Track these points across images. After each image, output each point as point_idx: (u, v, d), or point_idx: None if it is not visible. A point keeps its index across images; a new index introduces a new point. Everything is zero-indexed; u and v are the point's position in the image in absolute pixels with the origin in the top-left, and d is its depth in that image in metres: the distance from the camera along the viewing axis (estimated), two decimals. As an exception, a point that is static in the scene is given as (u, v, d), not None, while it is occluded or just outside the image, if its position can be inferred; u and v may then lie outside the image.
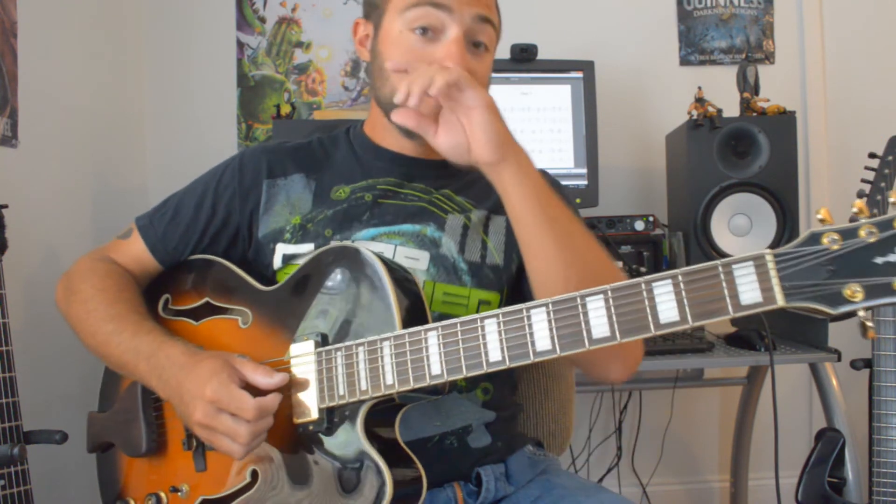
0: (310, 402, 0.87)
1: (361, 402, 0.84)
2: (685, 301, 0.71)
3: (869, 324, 0.68)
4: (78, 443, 1.22)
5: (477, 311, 0.99)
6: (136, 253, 1.09)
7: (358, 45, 1.07)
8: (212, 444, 0.86)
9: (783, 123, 1.80)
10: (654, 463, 2.19)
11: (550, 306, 0.76)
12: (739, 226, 1.81)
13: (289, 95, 2.21)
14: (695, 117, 1.81)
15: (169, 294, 1.08)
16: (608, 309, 0.73)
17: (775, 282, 0.67)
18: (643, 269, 1.83)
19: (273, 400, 0.84)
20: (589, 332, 0.74)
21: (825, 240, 0.66)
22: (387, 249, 0.99)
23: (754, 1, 2.29)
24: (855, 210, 0.67)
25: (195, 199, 1.08)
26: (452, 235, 1.02)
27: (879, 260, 0.65)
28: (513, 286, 1.05)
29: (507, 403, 1.08)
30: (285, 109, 1.91)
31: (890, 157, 1.45)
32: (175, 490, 0.97)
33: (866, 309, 0.66)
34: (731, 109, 1.88)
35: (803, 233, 0.68)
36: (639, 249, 1.87)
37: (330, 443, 0.86)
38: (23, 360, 1.32)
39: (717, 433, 2.28)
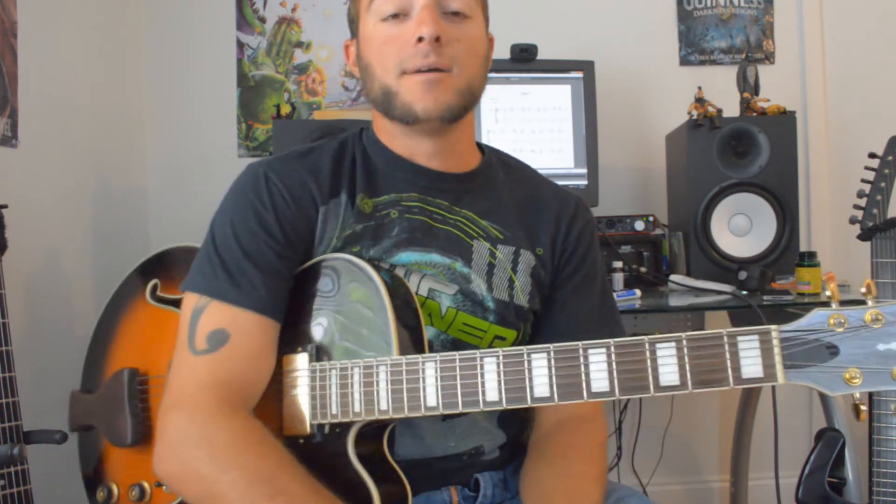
0: (301, 417, 0.86)
1: (353, 422, 0.84)
2: (687, 366, 0.71)
3: (863, 407, 0.69)
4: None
5: (490, 346, 0.97)
6: (257, 344, 0.87)
7: (351, 66, 1.05)
8: None
9: (783, 123, 1.80)
10: (654, 463, 2.19)
11: (552, 353, 0.76)
12: (739, 226, 1.81)
13: (289, 95, 2.22)
14: (695, 117, 1.81)
15: (158, 279, 1.06)
16: (609, 364, 0.74)
17: (778, 359, 0.68)
18: (643, 269, 1.83)
19: None
20: (588, 384, 0.74)
21: (831, 321, 0.67)
22: (414, 278, 0.95)
23: (754, 1, 2.29)
24: (864, 290, 0.67)
25: (265, 244, 0.90)
26: (479, 273, 0.98)
27: (882, 347, 0.65)
28: (532, 325, 1.03)
29: (520, 419, 1.06)
30: (285, 109, 1.91)
31: (890, 157, 1.45)
32: (160, 484, 0.97)
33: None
34: (731, 109, 1.88)
35: (811, 312, 0.69)
36: (639, 249, 1.87)
37: (319, 457, 0.85)
38: (23, 360, 1.31)
39: (717, 433, 2.28)
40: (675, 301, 1.65)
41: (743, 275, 1.63)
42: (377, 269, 0.88)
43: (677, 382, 0.71)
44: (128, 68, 2.12)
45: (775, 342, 0.68)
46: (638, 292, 1.67)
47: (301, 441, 0.86)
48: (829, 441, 1.44)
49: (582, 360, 0.75)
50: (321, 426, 0.86)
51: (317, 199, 0.95)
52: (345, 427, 0.84)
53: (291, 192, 0.94)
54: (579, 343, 0.75)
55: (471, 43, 0.96)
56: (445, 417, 0.95)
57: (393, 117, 0.96)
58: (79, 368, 1.61)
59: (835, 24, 2.27)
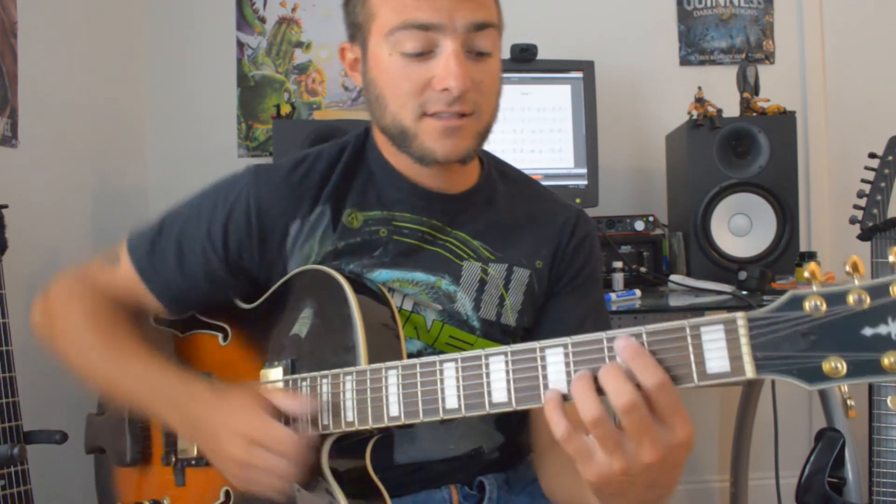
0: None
1: (326, 435, 0.82)
2: None
3: (850, 402, 0.61)
4: (78, 443, 1.22)
5: None
6: (131, 287, 0.96)
7: (349, 71, 0.99)
8: (252, 484, 0.80)
9: (783, 123, 1.80)
10: (654, 463, 2.18)
11: (509, 354, 0.69)
12: (739, 226, 1.81)
13: (289, 95, 2.22)
14: (695, 117, 1.81)
15: None
16: (567, 364, 0.66)
17: (746, 350, 0.60)
18: (643, 269, 1.83)
19: (304, 436, 0.79)
20: (547, 386, 0.67)
21: (807, 305, 0.58)
22: (396, 298, 0.93)
23: (754, 1, 2.29)
24: (848, 269, 0.58)
25: (200, 243, 0.93)
26: (468, 290, 0.95)
27: (868, 331, 0.56)
28: (522, 339, 1.00)
29: (517, 420, 1.04)
30: (285, 109, 1.91)
31: (890, 157, 1.45)
32: (156, 503, 0.99)
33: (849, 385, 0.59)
34: (731, 109, 1.88)
35: (784, 295, 0.60)
36: (639, 249, 1.87)
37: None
38: (23, 360, 1.32)
39: (717, 433, 2.28)
40: (675, 301, 1.65)
41: (743, 275, 1.63)
42: (353, 280, 0.87)
43: None
44: (128, 68, 2.12)
45: (742, 331, 0.59)
46: (638, 292, 1.67)
47: None
48: (829, 441, 1.45)
49: (539, 360, 0.67)
50: None
51: (289, 216, 0.93)
52: (319, 440, 0.82)
53: (261, 214, 0.93)
54: (536, 343, 0.68)
55: (492, 82, 0.90)
56: (443, 421, 0.95)
57: (407, 154, 0.91)
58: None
59: (835, 24, 2.27)
